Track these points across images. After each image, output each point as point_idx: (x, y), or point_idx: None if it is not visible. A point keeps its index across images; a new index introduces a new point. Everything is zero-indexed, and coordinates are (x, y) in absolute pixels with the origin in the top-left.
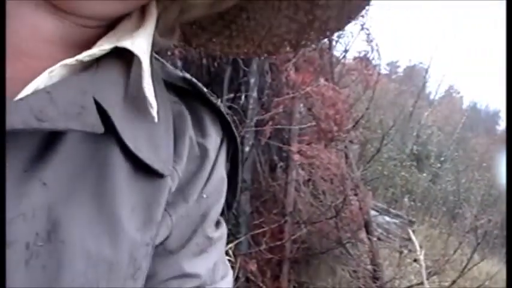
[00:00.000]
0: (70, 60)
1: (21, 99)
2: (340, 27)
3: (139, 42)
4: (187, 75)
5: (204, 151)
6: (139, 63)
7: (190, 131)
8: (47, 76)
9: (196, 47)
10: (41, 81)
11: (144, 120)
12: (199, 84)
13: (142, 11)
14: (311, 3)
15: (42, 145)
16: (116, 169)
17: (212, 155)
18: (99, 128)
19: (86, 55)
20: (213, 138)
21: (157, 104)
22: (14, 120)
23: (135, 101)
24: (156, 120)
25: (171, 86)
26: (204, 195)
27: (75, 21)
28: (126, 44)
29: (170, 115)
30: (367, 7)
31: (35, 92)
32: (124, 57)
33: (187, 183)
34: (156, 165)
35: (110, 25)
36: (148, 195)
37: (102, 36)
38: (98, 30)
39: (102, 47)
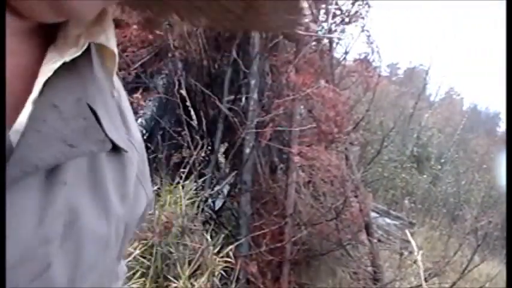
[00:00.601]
0: (58, 64)
1: (44, 120)
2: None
3: (110, 35)
4: None
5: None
6: (113, 55)
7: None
8: (41, 85)
9: None
10: (37, 90)
11: (107, 101)
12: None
13: None
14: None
15: None
16: (100, 154)
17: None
18: (108, 145)
19: (72, 57)
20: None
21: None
22: (54, 148)
23: (101, 84)
24: (115, 95)
25: None
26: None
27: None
28: (102, 39)
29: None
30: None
31: (47, 108)
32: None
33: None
34: (121, 143)
35: None
36: (120, 173)
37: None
38: None
39: (82, 45)
